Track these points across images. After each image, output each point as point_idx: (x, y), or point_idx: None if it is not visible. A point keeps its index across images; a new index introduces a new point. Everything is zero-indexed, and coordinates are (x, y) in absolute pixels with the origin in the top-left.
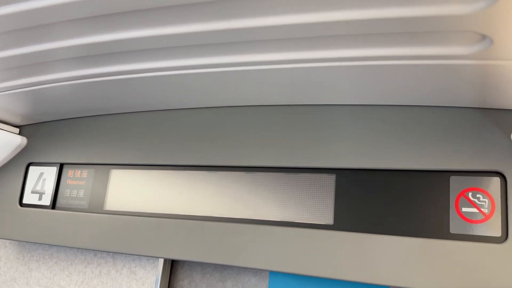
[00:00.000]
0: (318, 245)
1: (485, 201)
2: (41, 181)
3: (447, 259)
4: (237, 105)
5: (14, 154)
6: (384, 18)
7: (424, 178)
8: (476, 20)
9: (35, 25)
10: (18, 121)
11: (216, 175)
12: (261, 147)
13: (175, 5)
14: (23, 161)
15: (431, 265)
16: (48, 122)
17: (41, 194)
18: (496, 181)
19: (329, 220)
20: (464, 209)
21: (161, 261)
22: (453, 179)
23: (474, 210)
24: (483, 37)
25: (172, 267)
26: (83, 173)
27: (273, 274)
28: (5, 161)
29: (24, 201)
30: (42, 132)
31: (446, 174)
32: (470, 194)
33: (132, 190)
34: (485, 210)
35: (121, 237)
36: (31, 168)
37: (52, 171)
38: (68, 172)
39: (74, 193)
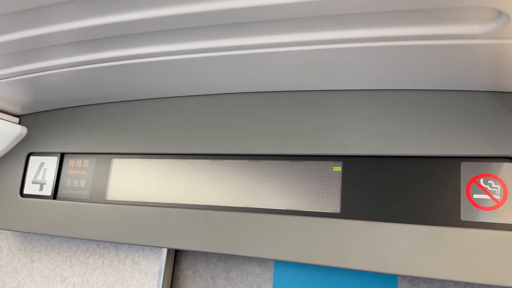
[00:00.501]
0: (324, 234)
1: (497, 188)
2: (42, 171)
3: (458, 247)
4: (241, 92)
5: (14, 144)
6: None
7: (434, 164)
8: None
9: (32, 8)
10: (18, 110)
11: (220, 163)
12: (265, 135)
13: None
14: (23, 151)
15: (442, 254)
16: (48, 111)
17: (42, 185)
18: (508, 166)
19: (336, 209)
20: (475, 196)
21: (165, 251)
22: (464, 165)
23: (486, 196)
24: (499, 13)
25: (176, 257)
26: (84, 163)
27: (278, 263)
28: (5, 151)
29: (25, 191)
30: (43, 121)
31: (457, 160)
32: (481, 180)
33: (134, 180)
34: (497, 197)
35: (124, 227)
36: (32, 158)
37: (53, 161)
38: (69, 162)
39: (75, 183)
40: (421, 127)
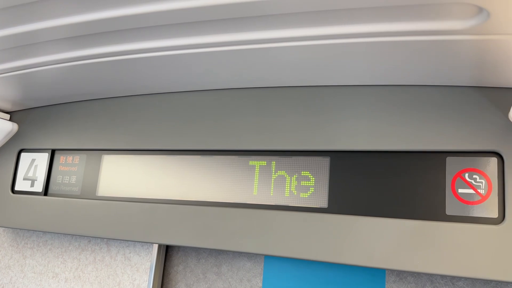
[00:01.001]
0: (312, 229)
1: (482, 182)
2: (33, 168)
3: (444, 241)
4: (231, 88)
5: (5, 141)
6: None
7: (419, 159)
8: None
9: (22, 4)
10: (8, 107)
11: (210, 159)
12: (254, 131)
13: None
14: (14, 148)
15: (428, 248)
16: (39, 108)
17: (33, 181)
18: (493, 161)
19: (324, 203)
20: (460, 190)
21: (156, 246)
22: (449, 160)
23: (471, 191)
24: (480, 10)
25: (167, 252)
26: (75, 159)
27: (268, 258)
28: None
29: (16, 188)
30: (33, 118)
31: (442, 154)
32: (466, 175)
33: (125, 176)
34: (482, 191)
35: (115, 223)
36: (23, 154)
37: (44, 157)
38: (60, 158)
39: (66, 179)
40: (407, 122)
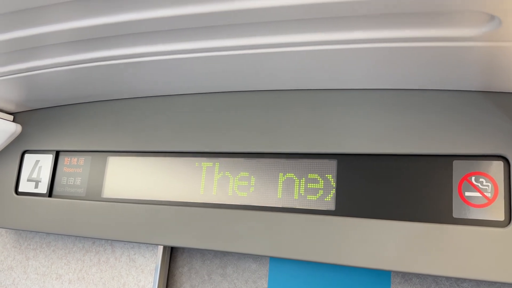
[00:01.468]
0: (319, 231)
1: (488, 185)
2: (37, 169)
3: (450, 244)
4: (237, 91)
5: (8, 142)
6: None
7: (427, 162)
8: (485, 0)
9: (28, 8)
10: (12, 108)
11: (216, 161)
12: (261, 133)
13: None
14: (18, 149)
15: (434, 250)
16: (43, 109)
17: (37, 182)
18: (499, 165)
19: (331, 206)
20: (467, 194)
21: (161, 248)
22: (456, 163)
23: (477, 194)
24: (492, 17)
25: (172, 253)
26: (80, 161)
27: (273, 260)
28: None
29: (20, 189)
30: (37, 119)
31: (449, 158)
32: (473, 178)
33: (130, 177)
34: (488, 194)
35: (120, 224)
36: (27, 155)
37: (48, 158)
38: (64, 160)
39: (71, 180)
40: (414, 126)
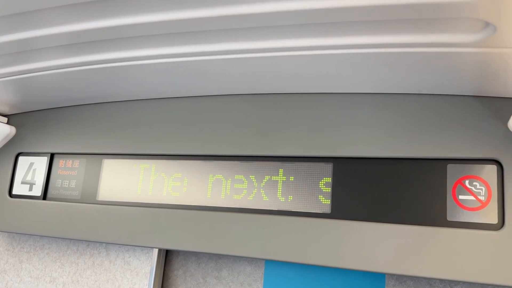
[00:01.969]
0: (315, 234)
1: (481, 189)
2: (31, 172)
3: (444, 247)
4: (233, 94)
5: (2, 144)
6: (390, 4)
7: (421, 166)
8: (480, 6)
9: (23, 12)
10: (6, 110)
11: (210, 164)
12: (257, 136)
13: None
14: (12, 151)
15: (428, 253)
16: (37, 111)
17: (31, 185)
18: (492, 168)
19: (327, 209)
20: (461, 197)
21: (156, 251)
22: (450, 167)
23: (471, 197)
24: (487, 24)
25: (167, 256)
26: (75, 163)
27: (269, 262)
28: None
29: (14, 192)
30: (32, 121)
31: (443, 162)
32: (467, 182)
33: (125, 180)
34: (482, 198)
35: (115, 227)
36: (21, 158)
37: (43, 161)
38: (59, 162)
39: (65, 183)
40: (409, 130)
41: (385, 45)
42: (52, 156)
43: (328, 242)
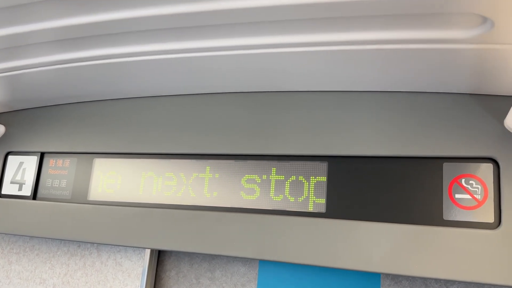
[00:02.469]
0: (310, 233)
1: (478, 187)
2: (20, 171)
3: (441, 246)
4: (225, 92)
5: None
6: None
7: (417, 164)
8: (478, 1)
9: (12, 6)
10: None
11: (204, 163)
12: (251, 135)
13: None
14: (1, 150)
15: (424, 252)
16: (28, 110)
17: (21, 185)
18: (489, 167)
19: (321, 208)
20: (457, 196)
21: (148, 251)
22: (446, 165)
23: (467, 196)
24: (484, 19)
25: (159, 257)
26: (65, 162)
27: (262, 263)
28: None
29: (3, 191)
30: (22, 119)
31: (439, 160)
32: (463, 180)
33: (117, 180)
34: (478, 196)
35: (106, 227)
36: (10, 157)
37: (33, 160)
38: (49, 162)
39: (56, 183)
40: (404, 128)
41: (380, 41)
42: (42, 155)
43: (323, 242)
